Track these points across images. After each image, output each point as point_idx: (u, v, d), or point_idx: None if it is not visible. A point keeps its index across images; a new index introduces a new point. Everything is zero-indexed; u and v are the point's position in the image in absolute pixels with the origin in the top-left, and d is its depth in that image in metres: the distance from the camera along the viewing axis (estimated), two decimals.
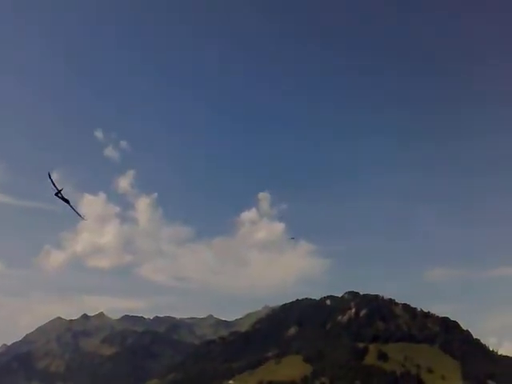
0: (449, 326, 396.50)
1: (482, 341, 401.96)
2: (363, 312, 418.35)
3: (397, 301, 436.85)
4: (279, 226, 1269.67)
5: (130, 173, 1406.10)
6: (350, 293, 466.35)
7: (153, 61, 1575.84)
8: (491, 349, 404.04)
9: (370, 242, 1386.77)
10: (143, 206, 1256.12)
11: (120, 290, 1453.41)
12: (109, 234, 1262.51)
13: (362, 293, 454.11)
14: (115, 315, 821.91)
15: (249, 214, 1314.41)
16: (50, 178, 79.16)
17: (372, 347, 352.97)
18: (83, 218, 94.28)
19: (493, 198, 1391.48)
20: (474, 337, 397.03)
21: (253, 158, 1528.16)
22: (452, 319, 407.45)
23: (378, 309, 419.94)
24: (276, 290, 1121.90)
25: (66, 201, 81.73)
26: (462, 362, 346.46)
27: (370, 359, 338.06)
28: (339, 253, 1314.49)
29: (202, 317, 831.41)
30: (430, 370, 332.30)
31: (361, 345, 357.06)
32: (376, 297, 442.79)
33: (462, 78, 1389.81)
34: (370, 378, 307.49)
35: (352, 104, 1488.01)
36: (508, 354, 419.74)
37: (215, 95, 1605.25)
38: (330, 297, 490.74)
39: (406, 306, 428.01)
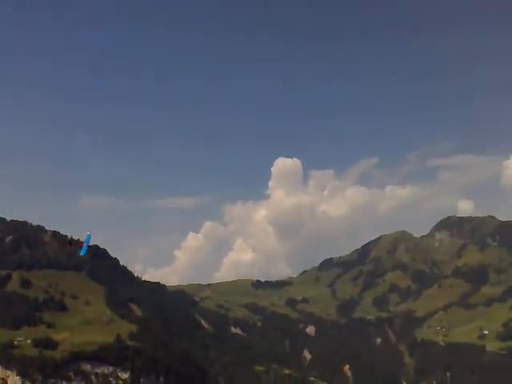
0: (98, 254, 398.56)
1: (129, 268, 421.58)
2: (9, 238, 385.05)
3: (46, 228, 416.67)
4: None
5: None
6: None
7: None
8: (136, 275, 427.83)
9: (24, 165, 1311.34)
10: None
11: None
12: None
13: (8, 219, 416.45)
14: None
15: None
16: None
17: (15, 274, 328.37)
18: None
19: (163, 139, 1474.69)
20: (122, 264, 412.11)
21: None
22: (102, 247, 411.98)
23: (25, 236, 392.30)
24: None
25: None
26: (108, 288, 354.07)
27: (12, 286, 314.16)
28: None
29: None
30: (74, 296, 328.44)
31: (3, 272, 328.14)
32: (24, 223, 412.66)
33: None
34: (11, 304, 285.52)
35: None
36: (150, 280, 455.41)
37: None
38: None
39: (55, 234, 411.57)
